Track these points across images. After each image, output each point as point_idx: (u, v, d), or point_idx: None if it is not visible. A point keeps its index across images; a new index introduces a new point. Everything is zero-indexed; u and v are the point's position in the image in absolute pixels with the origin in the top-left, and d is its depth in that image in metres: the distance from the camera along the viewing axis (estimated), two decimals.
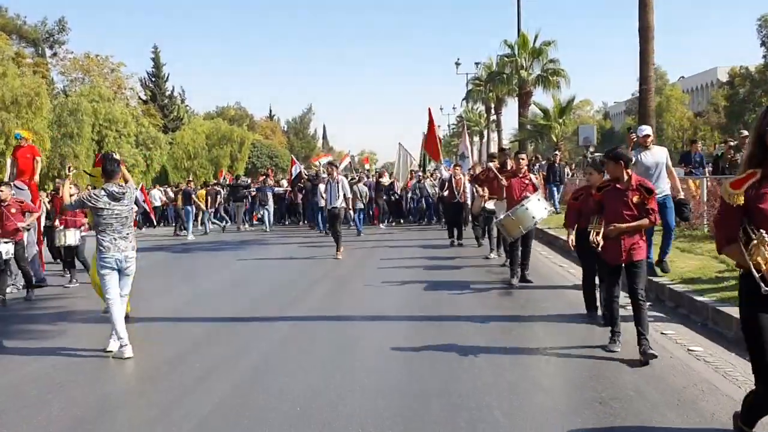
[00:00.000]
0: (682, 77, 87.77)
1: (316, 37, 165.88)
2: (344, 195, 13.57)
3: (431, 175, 22.47)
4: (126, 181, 6.70)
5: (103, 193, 6.37)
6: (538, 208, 9.09)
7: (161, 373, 5.88)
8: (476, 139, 58.56)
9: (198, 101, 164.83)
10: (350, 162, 29.79)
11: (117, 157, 7.32)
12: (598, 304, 7.20)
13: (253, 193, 24.44)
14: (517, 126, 34.84)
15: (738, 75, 58.76)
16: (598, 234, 5.78)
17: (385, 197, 22.71)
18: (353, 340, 6.72)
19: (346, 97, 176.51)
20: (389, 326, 7.29)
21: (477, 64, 42.86)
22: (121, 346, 6.24)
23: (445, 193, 16.23)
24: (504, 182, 10.02)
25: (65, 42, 51.37)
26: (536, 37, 32.19)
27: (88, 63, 51.09)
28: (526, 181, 9.71)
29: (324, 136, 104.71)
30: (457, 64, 48.78)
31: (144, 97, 58.14)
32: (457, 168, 16.13)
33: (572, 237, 7.15)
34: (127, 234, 6.48)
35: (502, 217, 9.49)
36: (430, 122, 19.52)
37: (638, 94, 15.23)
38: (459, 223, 15.36)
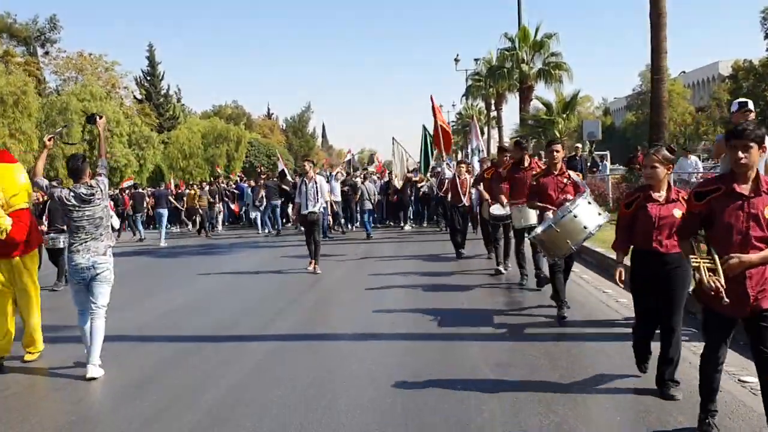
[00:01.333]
0: (683, 72, 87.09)
1: (315, 35, 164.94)
2: (324, 197, 11.91)
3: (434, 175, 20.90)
4: (98, 176, 6.02)
5: (71, 194, 5.81)
6: (590, 215, 6.48)
7: (107, 408, 5.03)
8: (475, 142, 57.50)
9: (195, 100, 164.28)
10: (351, 159, 28.23)
11: (82, 154, 6.49)
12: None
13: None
14: (518, 122, 33.91)
15: (741, 69, 57.83)
16: (713, 272, 3.66)
17: (412, 197, 20.77)
18: (340, 367, 5.79)
19: (345, 95, 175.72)
20: (382, 349, 6.35)
21: (476, 60, 41.87)
22: (88, 364, 5.70)
23: (448, 195, 14.38)
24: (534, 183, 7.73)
25: (57, 41, 50.41)
26: (537, 30, 31.32)
27: (82, 62, 50.27)
28: (565, 180, 7.41)
29: (323, 135, 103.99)
30: (456, 60, 47.80)
31: (139, 96, 57.40)
32: (462, 166, 14.02)
33: (621, 268, 4.90)
34: (101, 234, 5.88)
35: (540, 230, 6.75)
36: (434, 110, 16.91)
37: (650, 85, 14.30)
38: (465, 231, 13.25)
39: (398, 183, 20.29)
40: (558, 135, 25.74)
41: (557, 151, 7.49)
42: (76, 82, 46.99)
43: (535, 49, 31.07)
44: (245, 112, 76.81)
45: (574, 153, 19.23)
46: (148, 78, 59.22)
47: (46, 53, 50.12)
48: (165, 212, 19.92)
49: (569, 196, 7.16)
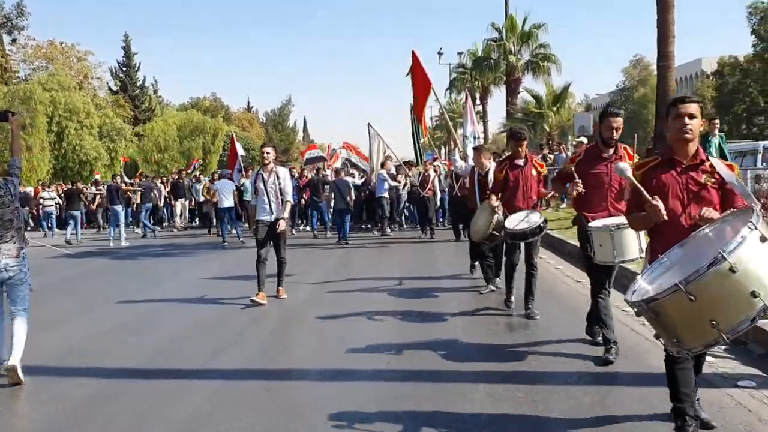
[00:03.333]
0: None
1: (297, 29, 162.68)
2: (290, 197, 8.73)
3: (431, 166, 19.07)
4: (9, 176, 5.70)
5: None
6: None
7: None
8: (460, 131, 56.30)
9: (173, 93, 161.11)
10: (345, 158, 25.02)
11: None
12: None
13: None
14: (504, 116, 32.73)
15: (727, 64, 57.21)
16: None
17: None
18: (303, 415, 4.50)
19: (326, 89, 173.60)
20: (356, 390, 5.05)
21: (460, 53, 40.59)
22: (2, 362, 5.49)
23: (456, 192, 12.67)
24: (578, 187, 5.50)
25: (24, 27, 48.32)
26: (525, 20, 30.18)
27: (52, 50, 48.46)
28: (703, 178, 3.98)
29: (304, 129, 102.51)
30: (440, 53, 46.52)
31: (114, 88, 55.66)
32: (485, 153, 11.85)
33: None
34: (12, 236, 5.55)
35: (662, 290, 3.19)
36: (416, 67, 12.52)
37: (656, 72, 13.13)
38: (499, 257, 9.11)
39: (374, 178, 17.49)
40: (548, 129, 24.71)
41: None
42: (47, 71, 45.17)
43: (522, 39, 29.91)
44: (224, 105, 75.13)
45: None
46: (124, 69, 57.66)
47: (14, 41, 48.10)
48: (121, 209, 18.19)
49: (712, 213, 3.56)
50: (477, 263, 9.48)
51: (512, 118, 29.46)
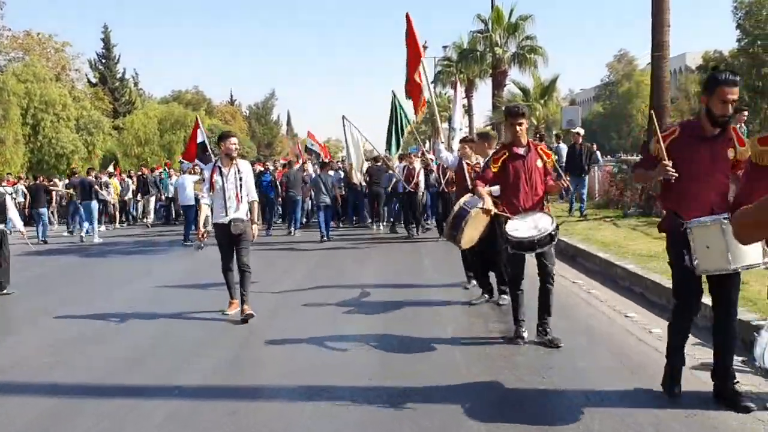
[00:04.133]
0: (650, 63, 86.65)
1: (281, 23, 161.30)
2: (253, 196, 7.56)
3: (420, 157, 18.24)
4: None
5: None
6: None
7: None
8: (445, 125, 55.67)
9: (155, 86, 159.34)
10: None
11: None
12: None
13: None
14: (490, 110, 32.26)
15: (711, 59, 57.07)
16: None
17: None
18: None
19: (310, 83, 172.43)
20: (334, 413, 4.44)
21: (445, 47, 39.94)
22: None
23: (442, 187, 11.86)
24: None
25: None
26: (512, 12, 29.64)
27: (29, 41, 47.26)
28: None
29: (288, 123, 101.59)
30: (425, 47, 45.80)
31: (93, 80, 54.47)
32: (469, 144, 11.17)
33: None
34: None
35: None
36: (410, 34, 12.28)
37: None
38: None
39: (357, 176, 16.02)
40: (535, 122, 24.25)
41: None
42: (22, 62, 44.03)
43: (509, 31, 29.39)
44: (206, 98, 74.08)
45: (573, 141, 15.62)
46: (103, 61, 56.47)
47: None
48: (95, 204, 17.31)
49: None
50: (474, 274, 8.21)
51: (498, 111, 28.95)
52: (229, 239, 7.26)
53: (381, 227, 17.22)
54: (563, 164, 16.72)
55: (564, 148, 17.07)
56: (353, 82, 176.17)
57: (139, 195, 22.81)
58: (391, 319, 7.11)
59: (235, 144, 7.32)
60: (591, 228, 12.69)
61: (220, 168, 7.26)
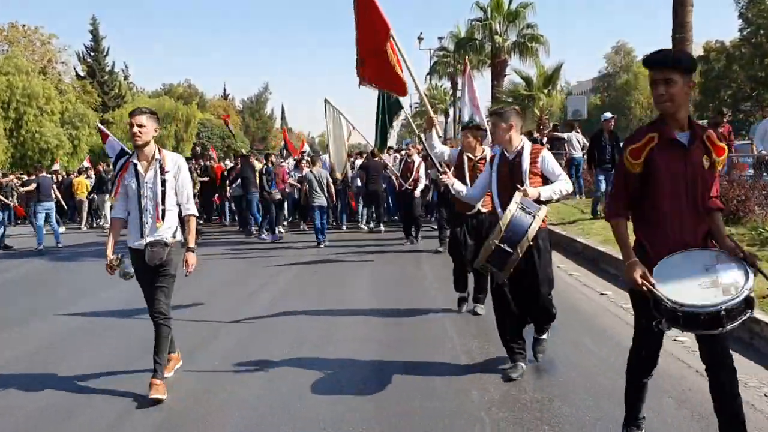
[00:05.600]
0: (647, 55, 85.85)
1: (274, 15, 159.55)
2: (191, 208, 5.08)
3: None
4: None
5: None
6: None
7: None
8: (441, 118, 54.59)
9: (146, 79, 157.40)
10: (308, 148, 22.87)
11: None
12: None
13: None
14: (489, 100, 31.12)
15: (713, 49, 56.15)
16: None
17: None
18: None
19: (304, 76, 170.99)
20: None
21: (441, 38, 38.77)
22: None
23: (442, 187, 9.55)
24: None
25: None
26: None
27: (14, 33, 46.06)
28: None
29: (282, 117, 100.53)
30: (420, 38, 44.69)
31: (81, 73, 53.23)
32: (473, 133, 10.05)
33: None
34: None
35: None
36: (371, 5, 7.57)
37: (671, 45, 11.49)
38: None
39: (339, 170, 13.87)
40: (538, 113, 23.16)
41: None
42: (4, 54, 42.85)
43: (509, 19, 28.26)
44: (198, 92, 72.90)
45: (601, 129, 13.24)
46: (92, 53, 55.24)
47: None
48: (52, 205, 15.36)
49: None
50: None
51: (498, 102, 27.87)
52: (150, 273, 4.82)
53: (381, 227, 15.23)
54: (574, 156, 15.61)
55: (576, 137, 15.89)
56: (350, 75, 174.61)
57: (94, 194, 20.58)
58: (389, 348, 5.83)
59: (143, 126, 4.76)
60: (606, 227, 11.49)
61: (135, 167, 4.84)
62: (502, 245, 4.30)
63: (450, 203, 8.19)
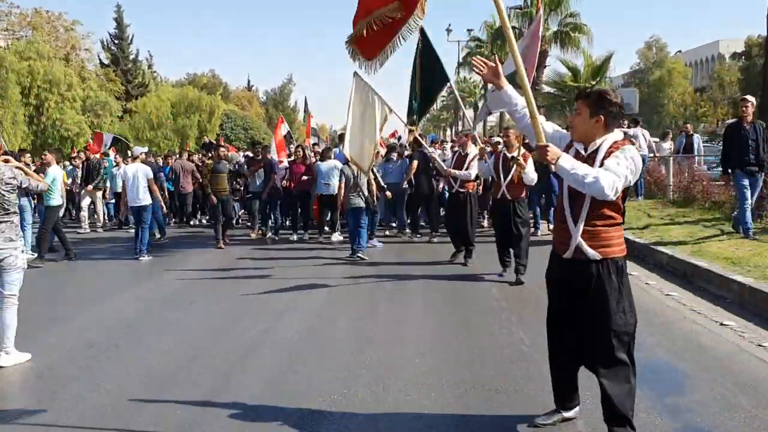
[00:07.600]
0: (680, 52, 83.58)
1: (300, 5, 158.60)
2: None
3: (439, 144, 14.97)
4: None
5: None
6: None
7: None
8: (470, 113, 52.90)
9: (170, 68, 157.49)
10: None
11: None
12: None
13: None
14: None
15: (756, 44, 53.93)
16: None
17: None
18: None
19: (328, 69, 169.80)
20: None
21: (470, 30, 37.30)
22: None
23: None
24: None
25: None
26: None
27: (38, 19, 45.44)
28: None
29: (305, 109, 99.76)
30: (449, 30, 43.26)
31: (105, 61, 52.56)
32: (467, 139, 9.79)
33: None
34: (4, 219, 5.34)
35: None
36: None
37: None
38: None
39: (364, 163, 9.92)
40: None
41: None
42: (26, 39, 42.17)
43: (551, 7, 26.66)
44: (222, 82, 72.09)
45: (740, 116, 9.79)
46: (116, 41, 54.57)
47: None
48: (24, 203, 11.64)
49: None
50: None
51: (539, 94, 26.33)
52: None
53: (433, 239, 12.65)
54: (642, 155, 14.04)
55: (642, 133, 14.33)
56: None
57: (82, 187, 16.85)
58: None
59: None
60: (692, 233, 9.95)
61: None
62: None
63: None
